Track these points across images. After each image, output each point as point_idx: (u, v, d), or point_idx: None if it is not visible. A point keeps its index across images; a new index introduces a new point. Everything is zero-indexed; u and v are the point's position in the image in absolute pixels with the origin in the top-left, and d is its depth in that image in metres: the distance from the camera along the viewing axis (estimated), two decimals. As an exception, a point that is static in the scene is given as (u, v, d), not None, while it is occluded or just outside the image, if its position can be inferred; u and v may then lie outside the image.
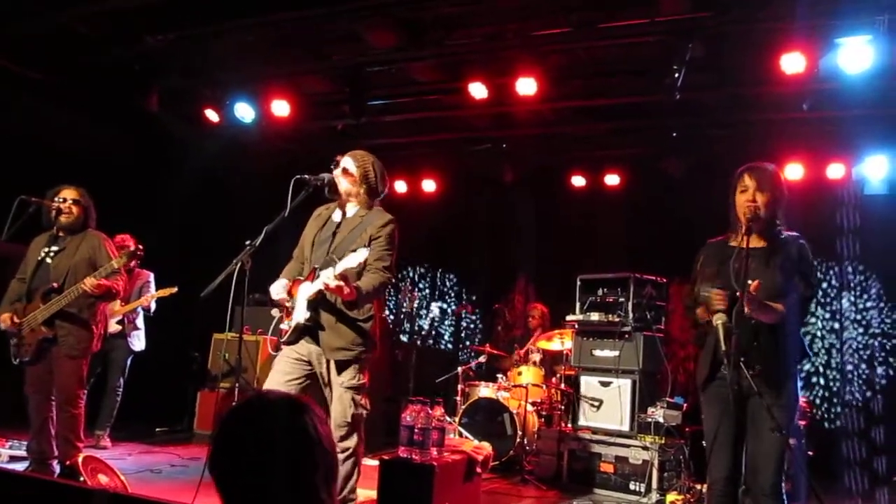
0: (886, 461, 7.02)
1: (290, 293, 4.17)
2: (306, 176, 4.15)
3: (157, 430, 7.52)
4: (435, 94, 7.61)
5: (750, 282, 3.25)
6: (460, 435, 6.71)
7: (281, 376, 4.08)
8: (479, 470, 3.78)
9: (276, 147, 8.40)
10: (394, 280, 4.16)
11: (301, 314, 4.05)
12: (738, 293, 3.26)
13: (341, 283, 3.69)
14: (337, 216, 4.26)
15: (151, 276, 6.97)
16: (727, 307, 3.26)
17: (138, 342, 6.87)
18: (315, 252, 4.19)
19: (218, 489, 1.60)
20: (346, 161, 4.20)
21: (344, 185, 4.20)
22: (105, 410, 6.71)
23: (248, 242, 3.96)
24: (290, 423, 1.60)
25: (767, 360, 3.37)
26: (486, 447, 4.33)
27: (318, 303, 4.01)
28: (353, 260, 3.76)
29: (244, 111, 7.59)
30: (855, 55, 5.85)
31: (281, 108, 7.47)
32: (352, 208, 4.24)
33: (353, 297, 3.82)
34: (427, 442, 3.44)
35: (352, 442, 4.01)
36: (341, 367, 4.02)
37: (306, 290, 4.04)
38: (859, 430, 7.61)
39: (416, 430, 3.42)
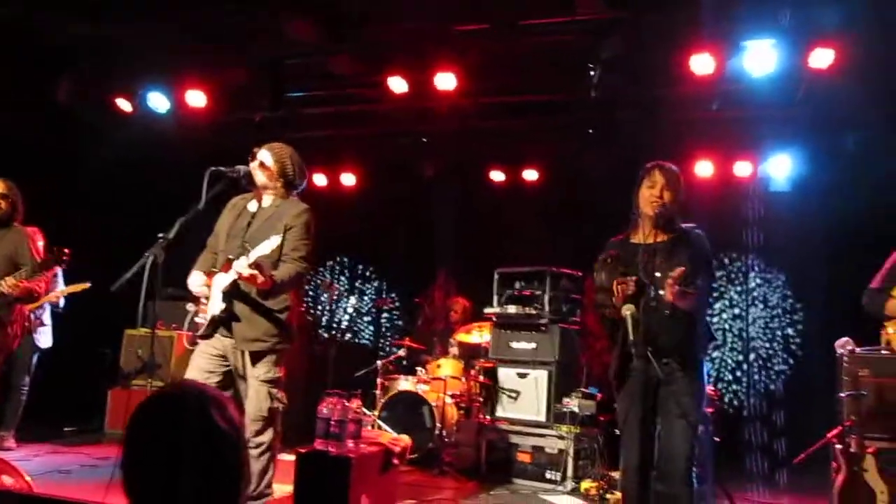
0: (786, 444, 7.40)
1: (206, 286, 4.11)
2: (222, 168, 4.09)
3: (66, 429, 7.25)
4: (355, 87, 7.57)
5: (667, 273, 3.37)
6: (379, 429, 6.73)
7: (199, 373, 4.02)
8: (396, 461, 3.80)
9: (192, 138, 8.21)
10: (310, 270, 4.14)
11: (216, 306, 3.99)
12: (646, 285, 3.38)
13: (255, 271, 3.66)
14: (252, 206, 4.22)
15: (59, 271, 6.71)
16: (636, 295, 3.37)
17: (45, 339, 6.59)
18: (230, 243, 4.14)
19: (123, 488, 1.57)
20: (263, 154, 4.16)
21: (261, 178, 4.17)
22: (9, 410, 6.42)
23: (160, 235, 3.88)
24: (195, 418, 1.56)
25: (675, 350, 3.50)
26: (405, 439, 4.36)
27: (232, 294, 3.96)
28: (266, 247, 3.74)
29: (158, 101, 7.41)
30: (759, 58, 6.11)
31: (197, 98, 7.32)
32: (268, 199, 4.21)
33: (267, 286, 3.79)
34: (343, 434, 3.44)
35: (267, 436, 3.98)
36: (256, 358, 3.98)
37: (221, 282, 3.99)
38: (762, 416, 7.98)
39: (332, 423, 3.42)
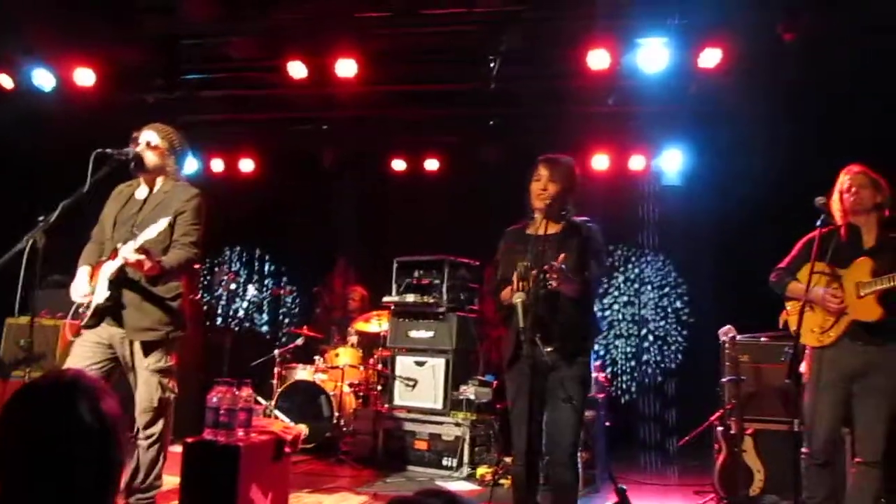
0: (676, 428, 7.76)
1: (91, 277, 3.95)
2: (108, 150, 3.93)
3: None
4: (254, 71, 7.41)
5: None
6: (276, 418, 6.65)
7: (80, 361, 3.85)
8: (288, 450, 3.76)
9: (79, 118, 7.86)
10: (200, 256, 4.03)
11: (101, 294, 3.84)
12: (537, 274, 3.46)
13: (141, 256, 3.54)
14: (141, 193, 4.08)
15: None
16: (528, 284, 3.44)
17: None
18: (117, 231, 3.98)
19: None
20: (149, 135, 4.02)
21: (151, 159, 4.03)
22: None
23: (41, 218, 3.70)
24: (55, 411, 1.49)
25: (564, 337, 3.59)
26: (298, 428, 4.32)
27: (119, 281, 3.82)
28: (153, 230, 3.62)
29: (42, 78, 7.06)
30: (652, 56, 6.31)
31: (85, 76, 7.01)
32: (158, 184, 4.07)
33: (155, 272, 3.68)
34: (233, 423, 3.38)
35: (157, 428, 3.88)
36: (147, 348, 3.86)
37: (107, 269, 3.84)
38: (653, 401, 8.30)
39: (221, 412, 3.35)
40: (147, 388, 3.85)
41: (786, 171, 4.14)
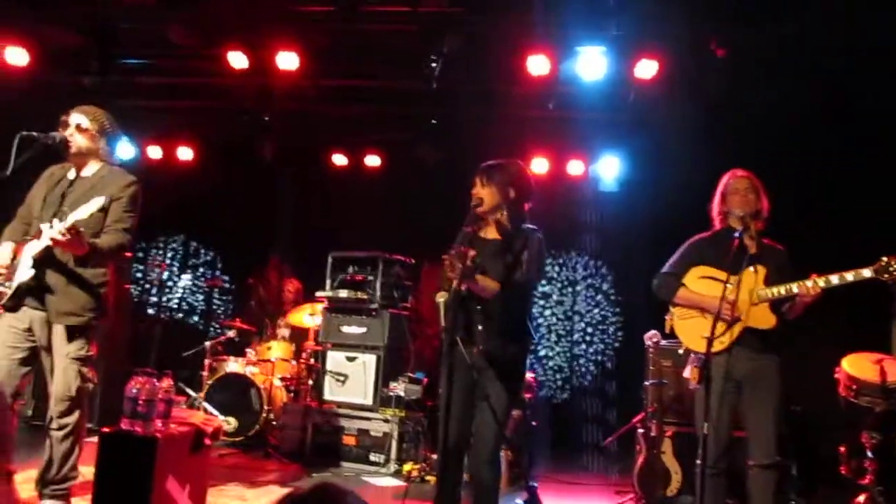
0: (601, 430, 7.91)
1: (14, 255, 3.87)
2: (33, 133, 3.86)
3: None
4: (193, 59, 7.31)
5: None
6: (205, 411, 6.59)
7: (1, 349, 3.79)
8: (208, 442, 3.75)
9: (9, 100, 7.65)
10: (132, 244, 3.98)
11: (24, 273, 3.75)
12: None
13: (69, 235, 3.48)
14: (72, 174, 4.01)
15: None
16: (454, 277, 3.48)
17: None
18: (45, 211, 3.90)
19: None
20: (78, 118, 3.96)
21: (81, 142, 3.95)
22: None
23: (-40, 201, 3.63)
24: None
25: (489, 338, 3.63)
26: (219, 419, 4.30)
27: (45, 262, 3.75)
28: (85, 210, 3.57)
29: (-30, 56, 6.87)
30: (590, 64, 6.43)
31: (17, 56, 6.84)
32: (91, 167, 4.01)
33: (83, 252, 3.61)
34: (151, 414, 3.36)
35: (73, 418, 3.81)
36: (70, 334, 3.78)
37: (32, 248, 3.76)
38: (584, 404, 8.46)
39: (139, 402, 3.32)
40: (65, 376, 3.78)
41: (710, 180, 4.27)
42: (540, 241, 3.74)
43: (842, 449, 5.05)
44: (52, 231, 3.57)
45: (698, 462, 3.73)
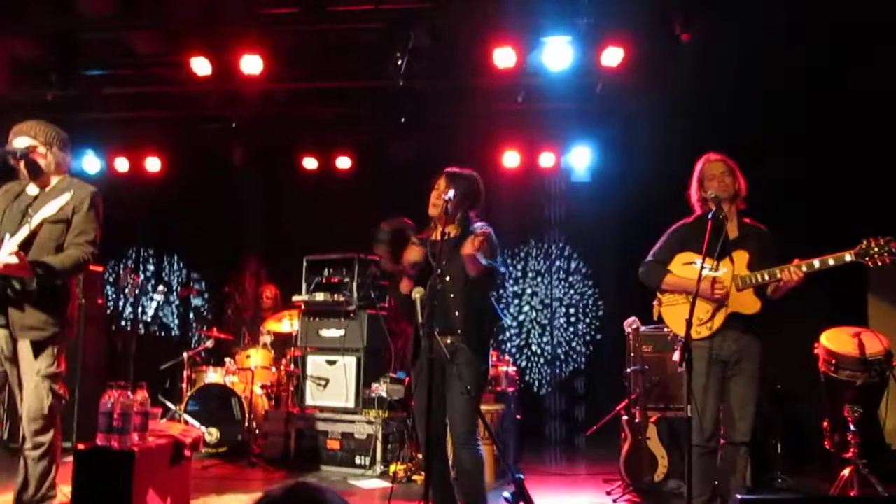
0: (585, 418, 7.91)
1: None
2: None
3: None
4: (157, 67, 7.20)
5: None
6: (186, 423, 6.51)
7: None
8: (188, 453, 3.68)
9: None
10: (97, 256, 3.90)
11: None
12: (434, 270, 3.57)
13: (16, 259, 3.43)
14: (32, 190, 3.93)
15: None
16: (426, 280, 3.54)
17: None
18: (5, 225, 3.82)
19: None
20: (21, 140, 3.86)
21: (38, 163, 3.88)
22: None
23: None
24: None
25: (460, 330, 3.76)
26: (200, 430, 4.24)
27: (4, 277, 3.67)
28: (54, 206, 3.57)
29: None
30: (557, 53, 6.40)
31: (-26, 71, 6.71)
32: (52, 181, 3.93)
33: (27, 275, 3.56)
34: (127, 427, 3.29)
35: (48, 436, 3.71)
36: (36, 349, 3.69)
37: None
38: (565, 394, 8.47)
39: (115, 416, 3.26)
40: (37, 394, 3.69)
41: (681, 168, 4.27)
42: (492, 234, 3.92)
43: (825, 424, 5.08)
44: (2, 255, 3.50)
45: (693, 443, 3.83)
